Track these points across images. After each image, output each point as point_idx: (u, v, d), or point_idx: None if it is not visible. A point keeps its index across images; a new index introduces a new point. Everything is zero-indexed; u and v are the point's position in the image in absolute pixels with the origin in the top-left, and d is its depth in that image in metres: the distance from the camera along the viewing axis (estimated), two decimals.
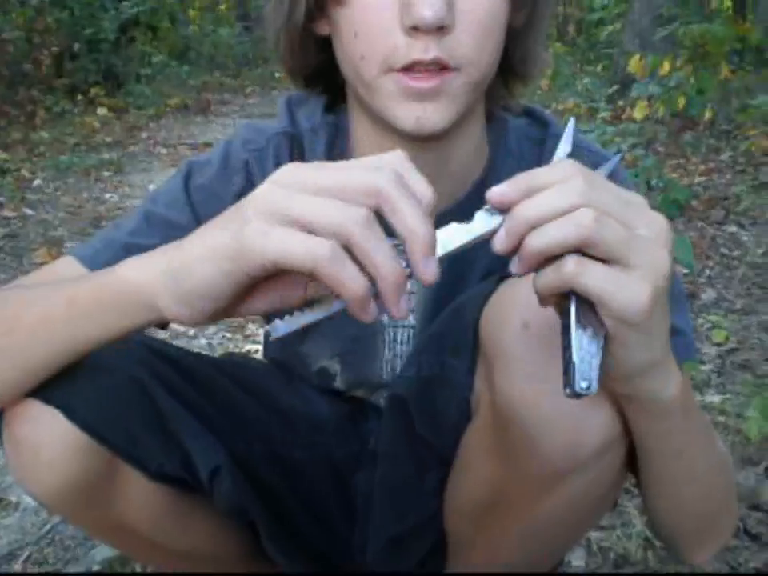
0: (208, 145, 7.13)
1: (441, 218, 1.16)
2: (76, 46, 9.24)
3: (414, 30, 0.95)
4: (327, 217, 0.69)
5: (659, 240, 0.70)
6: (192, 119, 8.89)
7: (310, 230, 0.69)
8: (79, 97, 8.97)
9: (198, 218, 1.17)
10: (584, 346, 0.72)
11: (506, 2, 1.01)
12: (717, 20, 6.24)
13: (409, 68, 0.98)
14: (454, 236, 0.76)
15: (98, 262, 1.13)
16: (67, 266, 1.15)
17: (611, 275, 0.69)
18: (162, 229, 1.17)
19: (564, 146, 0.80)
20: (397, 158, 0.75)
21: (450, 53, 0.97)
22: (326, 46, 1.09)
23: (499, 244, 0.72)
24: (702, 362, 2.63)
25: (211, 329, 3.12)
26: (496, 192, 0.72)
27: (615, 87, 7.70)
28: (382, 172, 0.71)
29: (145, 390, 1.11)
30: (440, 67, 0.98)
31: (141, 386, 1.10)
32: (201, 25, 14.20)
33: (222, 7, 17.86)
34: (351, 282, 0.68)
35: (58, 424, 1.02)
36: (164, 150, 6.99)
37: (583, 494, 0.97)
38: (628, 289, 0.69)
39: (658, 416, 0.86)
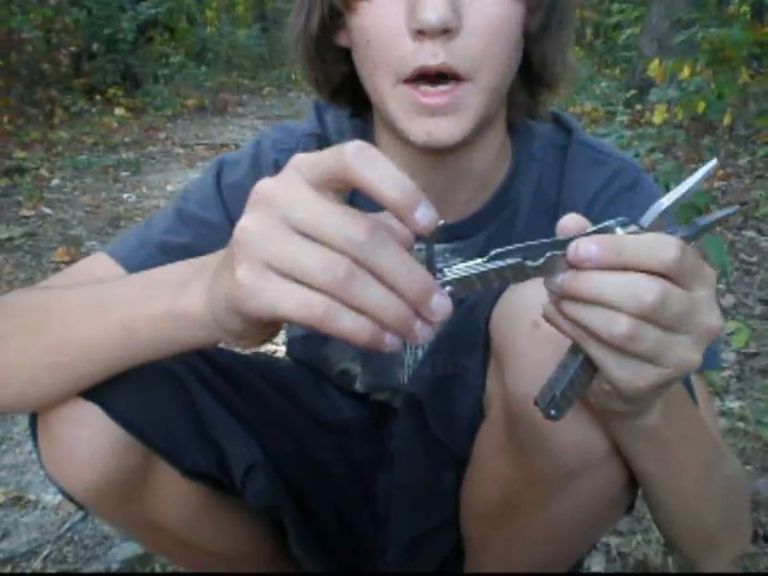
0: (225, 146, 7.15)
1: (463, 226, 1.17)
2: (94, 46, 9.28)
3: (420, 33, 0.95)
4: (320, 267, 0.64)
5: (698, 344, 0.70)
6: (209, 120, 8.91)
7: (304, 281, 0.64)
8: (97, 97, 9.01)
9: (229, 216, 1.18)
10: (571, 379, 0.74)
11: (520, 5, 1.01)
12: (735, 24, 6.20)
13: (419, 76, 0.98)
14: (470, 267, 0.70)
15: (133, 261, 1.14)
16: (103, 264, 1.16)
17: (620, 356, 0.69)
18: (195, 227, 1.18)
19: (667, 200, 0.72)
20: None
21: (458, 58, 0.97)
22: (347, 57, 1.10)
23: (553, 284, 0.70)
24: (722, 368, 2.62)
25: None
26: (582, 248, 0.67)
27: (633, 91, 7.68)
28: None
29: (183, 386, 1.11)
30: (451, 76, 0.98)
31: (179, 383, 1.11)
32: (218, 26, 14.24)
33: (240, 8, 17.90)
34: (353, 334, 0.64)
35: (96, 420, 1.03)
36: (181, 151, 7.00)
37: (596, 493, 0.97)
38: (631, 372, 0.69)
39: (639, 438, 0.87)
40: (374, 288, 0.63)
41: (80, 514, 1.97)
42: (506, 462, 1.01)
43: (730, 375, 2.62)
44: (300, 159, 0.68)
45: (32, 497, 2.06)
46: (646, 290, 0.66)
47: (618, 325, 0.66)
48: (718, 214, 0.75)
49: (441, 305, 0.65)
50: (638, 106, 7.23)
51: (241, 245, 0.67)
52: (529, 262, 0.70)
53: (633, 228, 0.70)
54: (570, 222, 0.70)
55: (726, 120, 5.45)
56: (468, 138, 1.02)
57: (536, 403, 0.77)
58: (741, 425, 2.27)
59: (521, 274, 0.69)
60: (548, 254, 0.69)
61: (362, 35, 1.02)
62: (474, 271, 0.68)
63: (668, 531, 1.04)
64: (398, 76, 0.99)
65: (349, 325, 0.64)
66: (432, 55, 0.96)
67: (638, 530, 1.83)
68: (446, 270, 0.67)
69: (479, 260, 0.69)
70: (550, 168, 1.18)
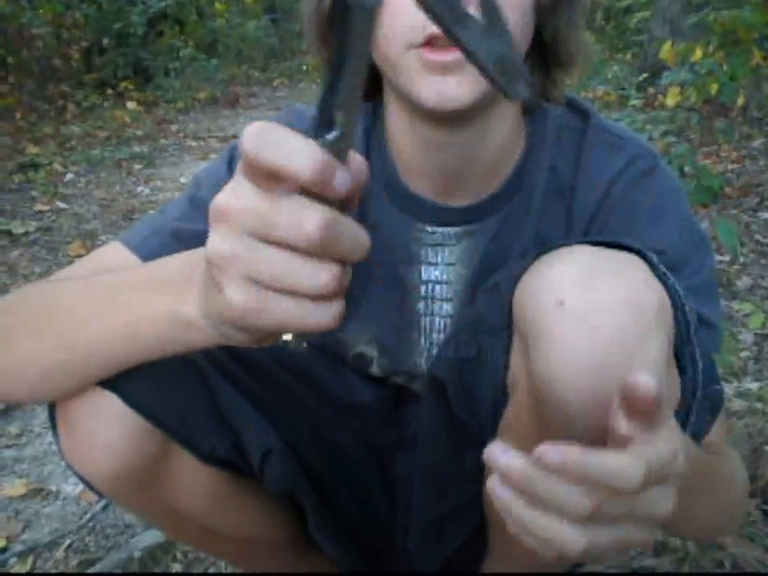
0: (237, 137, 7.13)
1: (476, 209, 1.17)
2: (105, 40, 9.30)
3: None
4: (302, 276, 0.65)
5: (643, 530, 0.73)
6: (221, 112, 8.92)
7: (294, 291, 0.66)
8: (109, 91, 9.03)
9: None
10: None
11: None
12: (747, 6, 6.16)
13: (429, 43, 0.98)
14: None
15: (146, 248, 1.15)
16: (116, 253, 1.16)
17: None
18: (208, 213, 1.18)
19: None
20: None
21: None
22: None
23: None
24: (739, 349, 2.61)
25: None
26: (548, 456, 0.69)
27: (645, 75, 7.64)
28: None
29: (199, 372, 1.12)
30: None
31: (195, 369, 1.12)
32: (228, 18, 14.23)
33: (249, 0, 17.89)
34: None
35: (114, 407, 1.04)
36: (194, 143, 7.01)
37: None
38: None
39: None
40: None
41: (101, 503, 1.98)
42: (531, 442, 1.01)
43: (748, 356, 2.61)
44: (242, 154, 0.65)
45: (53, 488, 2.08)
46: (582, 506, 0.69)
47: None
48: None
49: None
50: (651, 90, 7.20)
51: (219, 268, 0.68)
52: None
53: None
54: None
55: (740, 102, 5.42)
56: (476, 103, 1.02)
57: None
58: (759, 405, 2.26)
59: None
60: None
61: None
62: None
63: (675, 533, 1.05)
64: (410, 43, 0.99)
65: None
66: None
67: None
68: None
69: None
70: (564, 150, 1.18)
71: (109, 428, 1.05)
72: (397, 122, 1.16)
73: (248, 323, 0.69)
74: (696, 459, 0.88)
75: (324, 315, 0.67)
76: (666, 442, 0.71)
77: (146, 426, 1.07)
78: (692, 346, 0.93)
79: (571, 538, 0.70)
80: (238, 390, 1.16)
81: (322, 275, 0.64)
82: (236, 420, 1.16)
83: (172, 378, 1.07)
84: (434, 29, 0.96)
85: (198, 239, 1.14)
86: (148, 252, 1.14)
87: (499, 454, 0.70)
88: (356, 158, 0.66)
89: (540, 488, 0.69)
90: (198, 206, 1.19)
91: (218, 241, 0.67)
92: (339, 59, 0.60)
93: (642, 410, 0.69)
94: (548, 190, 1.17)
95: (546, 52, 1.11)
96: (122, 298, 0.91)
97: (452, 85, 0.99)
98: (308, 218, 0.62)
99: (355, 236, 0.66)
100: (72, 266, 1.18)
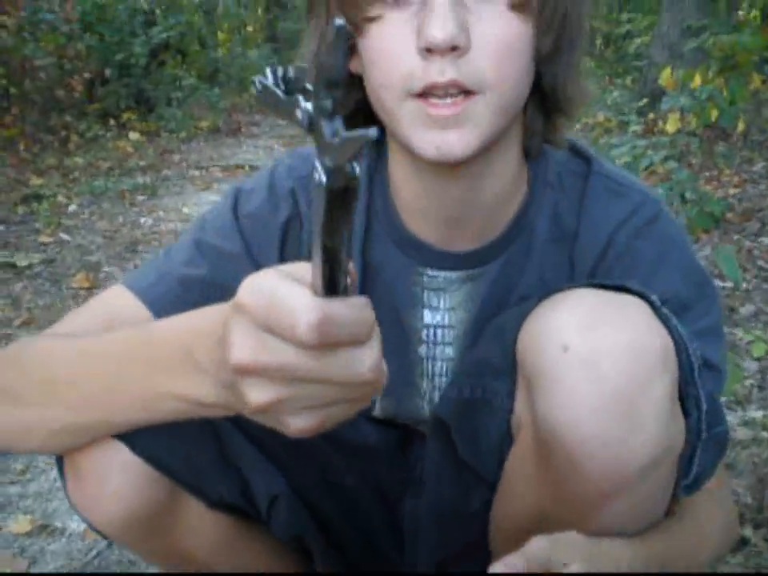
0: (240, 166, 7.18)
1: (478, 254, 1.17)
2: (107, 71, 9.34)
3: (428, 51, 0.96)
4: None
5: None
6: (223, 141, 8.95)
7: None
8: (111, 121, 9.06)
9: (248, 246, 1.19)
10: None
11: (530, 26, 1.01)
12: (745, 30, 6.19)
13: (427, 92, 0.98)
14: None
15: (153, 295, 1.15)
16: (122, 300, 1.16)
17: None
18: (213, 258, 1.19)
19: None
20: None
21: (466, 74, 0.97)
22: (360, 83, 1.10)
23: None
24: (743, 377, 2.61)
25: None
26: None
27: (645, 100, 7.67)
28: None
29: (207, 419, 1.12)
30: (459, 91, 0.98)
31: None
32: (229, 47, 14.30)
33: (250, 29, 17.99)
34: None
35: (121, 455, 1.05)
36: (197, 173, 7.03)
37: (630, 514, 0.97)
38: None
39: None
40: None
41: (106, 541, 1.97)
42: (536, 484, 1.01)
43: (752, 384, 2.61)
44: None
45: (58, 524, 2.07)
46: None
47: None
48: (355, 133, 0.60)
49: None
50: (651, 115, 7.22)
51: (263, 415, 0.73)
52: None
53: None
54: None
55: (740, 126, 5.44)
56: (476, 154, 1.02)
57: None
58: (764, 434, 2.25)
59: None
60: None
61: (371, 56, 1.02)
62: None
63: None
64: (407, 92, 0.99)
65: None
66: (440, 72, 0.96)
67: None
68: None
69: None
70: (567, 196, 1.18)
71: (116, 476, 1.06)
72: (399, 167, 1.16)
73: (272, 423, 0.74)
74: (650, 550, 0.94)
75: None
76: None
77: (154, 474, 1.07)
78: (696, 388, 0.94)
79: None
80: (245, 436, 1.16)
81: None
82: (243, 466, 1.17)
83: (179, 426, 1.07)
84: (433, 78, 0.97)
85: (202, 285, 1.16)
86: (154, 299, 1.14)
87: None
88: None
89: None
90: (203, 250, 1.19)
91: (255, 394, 0.71)
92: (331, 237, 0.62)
93: None
94: (550, 235, 1.17)
95: (545, 97, 1.11)
96: (132, 378, 0.92)
97: (452, 139, 0.99)
98: (362, 365, 0.69)
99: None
100: (76, 314, 1.18)
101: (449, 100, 0.98)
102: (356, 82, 1.10)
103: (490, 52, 0.98)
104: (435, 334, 1.21)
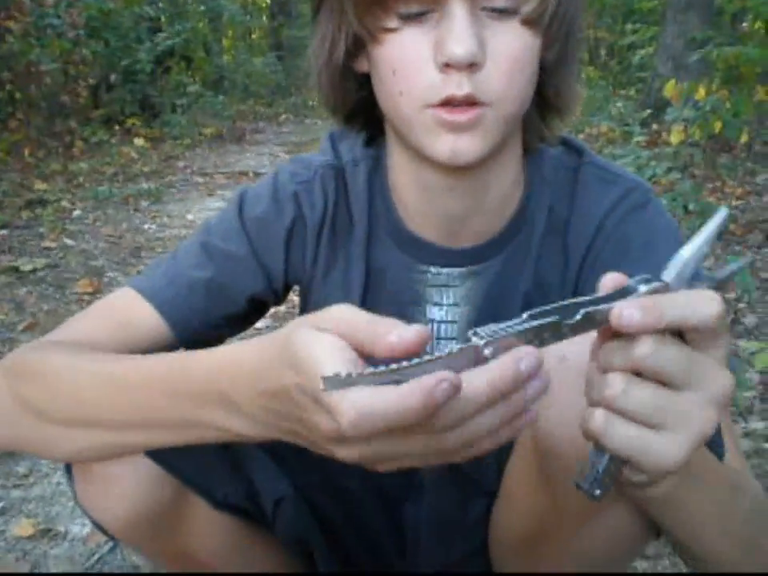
0: (243, 173, 7.20)
1: (480, 250, 1.18)
2: (112, 77, 9.38)
3: (447, 66, 0.97)
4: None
5: (710, 401, 0.71)
6: (227, 148, 8.97)
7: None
8: (116, 127, 9.09)
9: (254, 248, 1.20)
10: (610, 456, 0.75)
11: (537, 39, 1.02)
12: (749, 42, 6.21)
13: (445, 103, 0.99)
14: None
15: (162, 298, 1.17)
16: (131, 302, 1.17)
17: (638, 438, 0.71)
18: (220, 260, 1.20)
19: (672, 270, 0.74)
20: None
21: (482, 90, 0.98)
22: (364, 82, 1.11)
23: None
24: (746, 388, 2.61)
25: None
26: (626, 315, 0.69)
27: (649, 111, 7.68)
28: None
29: None
30: (473, 103, 0.99)
31: None
32: (234, 54, 14.34)
33: (255, 36, 18.04)
34: None
35: (130, 456, 1.05)
36: (200, 179, 7.05)
37: (626, 523, 0.98)
38: (656, 451, 0.71)
39: (654, 502, 0.87)
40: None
41: (109, 545, 1.98)
42: (534, 493, 1.02)
43: (754, 396, 2.61)
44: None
45: (61, 528, 2.08)
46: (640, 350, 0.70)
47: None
48: (734, 265, 0.76)
49: None
50: (655, 126, 7.24)
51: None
52: (565, 321, 0.69)
53: (656, 284, 0.71)
54: (609, 281, 0.72)
55: (744, 138, 5.44)
56: (486, 158, 1.04)
57: (578, 486, 0.77)
58: (766, 446, 2.26)
59: (557, 333, 0.70)
60: (582, 311, 0.70)
61: (386, 65, 1.03)
62: (511, 331, 0.67)
63: (691, 564, 1.04)
64: (426, 102, 1.00)
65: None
66: (458, 86, 0.97)
67: (665, 554, 1.83)
68: (480, 331, 0.67)
69: (515, 320, 0.68)
70: (560, 189, 1.19)
71: (124, 475, 1.07)
72: (402, 170, 1.17)
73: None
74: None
75: None
76: None
77: (161, 474, 1.08)
78: None
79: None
80: None
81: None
82: (249, 467, 1.17)
83: None
84: (451, 91, 0.98)
85: (210, 287, 1.17)
86: (163, 302, 1.16)
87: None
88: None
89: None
90: (211, 252, 1.21)
91: (344, 452, 0.73)
92: None
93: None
94: (546, 230, 1.18)
95: (545, 102, 1.13)
96: (172, 409, 0.92)
97: (465, 142, 1.00)
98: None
99: None
100: (85, 316, 1.19)
101: (463, 108, 0.99)
102: (361, 81, 1.11)
103: (502, 67, 0.99)
104: (438, 330, 1.22)
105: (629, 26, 11.70)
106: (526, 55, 1.02)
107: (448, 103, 0.99)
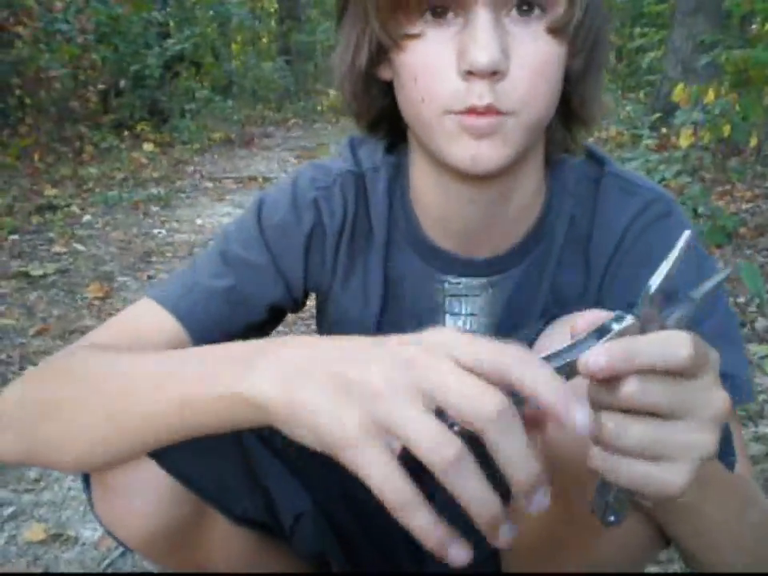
0: (253, 178, 7.21)
1: (499, 260, 1.18)
2: (122, 82, 9.40)
3: (470, 74, 0.96)
4: (429, 444, 0.66)
5: (706, 425, 0.71)
6: (236, 152, 8.98)
7: (409, 449, 0.66)
8: (126, 132, 9.11)
9: (273, 256, 1.20)
10: (618, 489, 0.76)
11: (563, 48, 1.02)
12: (759, 45, 6.19)
13: (468, 112, 0.99)
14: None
15: (181, 307, 1.16)
16: (151, 313, 1.17)
17: (638, 472, 0.71)
18: (239, 268, 1.20)
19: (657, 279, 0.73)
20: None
21: (503, 99, 0.98)
22: (387, 90, 1.11)
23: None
24: (755, 399, 2.61)
25: None
26: (592, 362, 0.69)
27: (658, 114, 7.67)
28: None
29: (233, 435, 1.13)
30: (494, 112, 0.99)
31: (230, 432, 1.13)
32: (243, 59, 14.37)
33: (264, 41, 18.06)
34: (420, 533, 0.67)
35: (149, 471, 1.05)
36: (210, 184, 7.06)
37: (637, 533, 0.98)
38: (658, 481, 0.71)
39: (664, 510, 0.87)
40: (474, 481, 0.67)
41: (120, 550, 1.98)
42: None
43: (764, 400, 2.60)
44: (453, 339, 0.69)
45: (72, 533, 2.08)
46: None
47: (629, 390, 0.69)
48: (710, 283, 0.76)
49: (541, 503, 0.68)
50: (664, 129, 7.22)
51: (368, 397, 0.69)
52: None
53: (627, 324, 0.71)
54: (583, 323, 0.72)
55: (753, 141, 5.43)
56: (507, 167, 1.03)
57: (592, 511, 0.78)
58: None
59: (571, 374, 0.71)
60: (560, 363, 0.71)
61: (409, 71, 1.03)
62: None
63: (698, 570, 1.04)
64: (447, 109, 1.00)
65: (419, 524, 0.67)
66: (479, 96, 0.97)
67: (676, 558, 1.82)
68: None
69: None
70: (582, 200, 1.19)
71: (143, 491, 1.06)
72: (423, 178, 1.17)
73: (336, 448, 0.70)
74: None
75: (407, 503, 0.69)
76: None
77: (180, 490, 1.08)
78: None
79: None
80: (271, 450, 1.17)
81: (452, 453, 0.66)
82: (269, 482, 1.17)
83: (206, 442, 1.08)
84: (473, 101, 0.98)
85: (230, 296, 1.17)
86: (183, 312, 1.16)
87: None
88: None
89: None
90: (230, 261, 1.21)
91: (386, 377, 0.69)
92: None
93: None
94: (566, 240, 1.18)
95: (569, 112, 1.12)
96: (175, 376, 0.88)
97: (485, 148, 1.00)
98: (491, 400, 0.66)
99: (519, 449, 0.69)
100: (105, 327, 1.18)
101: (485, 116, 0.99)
102: (384, 88, 1.11)
103: (525, 76, 0.98)
104: None
105: (637, 30, 11.70)
106: (551, 63, 1.01)
107: (471, 112, 0.99)
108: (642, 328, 0.71)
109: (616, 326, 0.71)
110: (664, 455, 0.70)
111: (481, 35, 0.94)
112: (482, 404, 0.65)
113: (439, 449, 0.65)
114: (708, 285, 0.75)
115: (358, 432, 0.68)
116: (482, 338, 0.69)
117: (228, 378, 0.80)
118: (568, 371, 0.71)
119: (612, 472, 0.72)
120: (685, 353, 0.68)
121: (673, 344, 0.68)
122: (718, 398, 0.72)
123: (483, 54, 0.94)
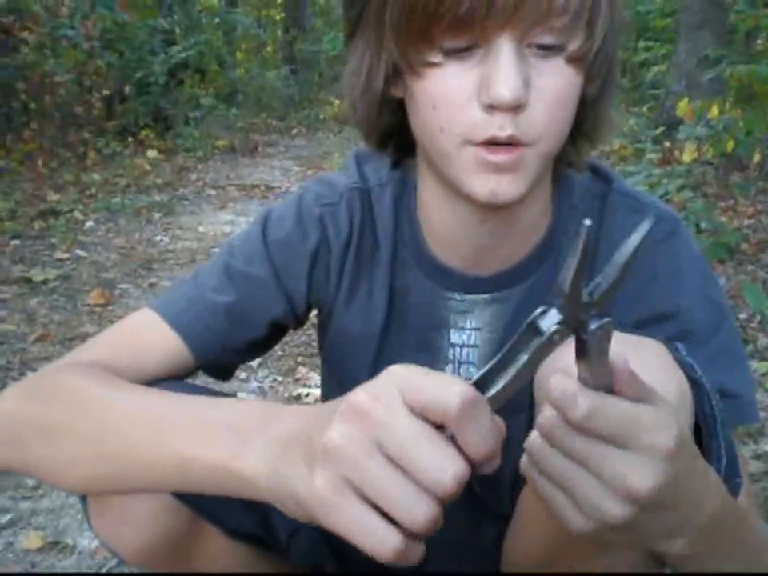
0: (256, 186, 7.22)
1: (505, 277, 1.18)
2: (126, 88, 9.43)
3: (491, 107, 0.95)
4: (404, 505, 0.68)
5: (650, 460, 0.72)
6: (240, 160, 9.00)
7: (384, 511, 0.68)
8: (129, 139, 9.13)
9: (276, 272, 1.20)
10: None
11: (581, 76, 1.01)
12: (763, 61, 6.20)
13: (486, 143, 0.98)
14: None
15: (182, 321, 1.16)
16: (151, 325, 1.17)
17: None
18: (242, 283, 1.20)
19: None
20: None
21: (524, 131, 0.97)
22: (398, 107, 1.09)
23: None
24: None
25: (261, 372, 3.14)
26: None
27: (661, 128, 7.68)
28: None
29: None
30: (515, 144, 0.98)
31: None
32: (248, 67, 14.40)
33: (268, 50, 18.11)
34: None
35: None
36: (213, 192, 7.07)
37: (639, 549, 0.97)
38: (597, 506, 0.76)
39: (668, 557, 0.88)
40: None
41: (116, 559, 1.98)
42: (548, 520, 1.01)
43: (765, 417, 2.60)
44: (401, 377, 0.71)
45: (69, 541, 2.08)
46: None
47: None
48: (634, 239, 0.79)
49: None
50: (667, 144, 7.22)
51: (328, 457, 0.70)
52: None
53: (554, 317, 0.76)
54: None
55: (756, 157, 5.44)
56: (524, 197, 1.03)
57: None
58: None
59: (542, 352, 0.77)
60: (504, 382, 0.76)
61: (427, 99, 1.01)
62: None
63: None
64: (467, 140, 0.99)
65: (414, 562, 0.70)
66: (500, 128, 0.96)
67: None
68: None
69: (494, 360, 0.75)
70: (588, 216, 1.18)
71: (139, 505, 1.07)
72: (431, 198, 1.16)
73: (316, 514, 0.71)
74: (723, 497, 0.87)
75: (398, 549, 0.69)
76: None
77: (176, 504, 1.08)
78: (718, 440, 0.93)
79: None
80: None
81: (422, 512, 0.68)
82: None
83: None
84: (493, 132, 0.97)
85: (231, 311, 1.17)
86: (183, 326, 1.16)
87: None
88: (498, 420, 0.72)
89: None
90: (233, 276, 1.20)
91: (344, 435, 0.70)
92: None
93: None
94: None
95: (581, 133, 1.12)
96: (173, 431, 0.89)
97: (505, 183, 0.99)
98: (450, 468, 0.68)
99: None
100: (105, 336, 1.18)
101: (505, 148, 0.98)
102: (396, 106, 1.10)
103: (546, 108, 0.97)
104: (461, 354, 1.22)
105: (642, 44, 11.71)
106: (570, 93, 1.00)
107: (490, 143, 0.98)
108: (571, 320, 0.74)
109: (542, 324, 0.76)
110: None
111: (504, 68, 0.93)
112: (444, 471, 0.69)
113: (415, 511, 0.68)
114: (630, 242, 0.78)
115: (328, 492, 0.69)
116: (432, 375, 0.72)
117: (225, 452, 0.83)
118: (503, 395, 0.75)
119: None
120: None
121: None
122: (666, 434, 0.73)
123: (506, 89, 0.93)
